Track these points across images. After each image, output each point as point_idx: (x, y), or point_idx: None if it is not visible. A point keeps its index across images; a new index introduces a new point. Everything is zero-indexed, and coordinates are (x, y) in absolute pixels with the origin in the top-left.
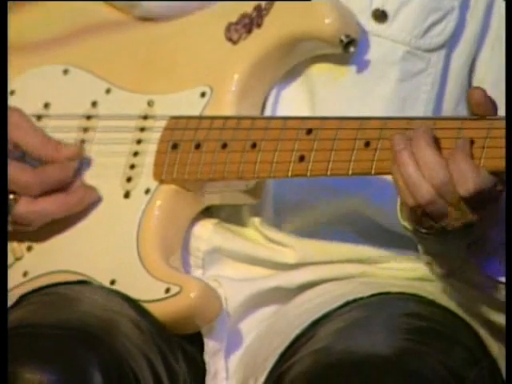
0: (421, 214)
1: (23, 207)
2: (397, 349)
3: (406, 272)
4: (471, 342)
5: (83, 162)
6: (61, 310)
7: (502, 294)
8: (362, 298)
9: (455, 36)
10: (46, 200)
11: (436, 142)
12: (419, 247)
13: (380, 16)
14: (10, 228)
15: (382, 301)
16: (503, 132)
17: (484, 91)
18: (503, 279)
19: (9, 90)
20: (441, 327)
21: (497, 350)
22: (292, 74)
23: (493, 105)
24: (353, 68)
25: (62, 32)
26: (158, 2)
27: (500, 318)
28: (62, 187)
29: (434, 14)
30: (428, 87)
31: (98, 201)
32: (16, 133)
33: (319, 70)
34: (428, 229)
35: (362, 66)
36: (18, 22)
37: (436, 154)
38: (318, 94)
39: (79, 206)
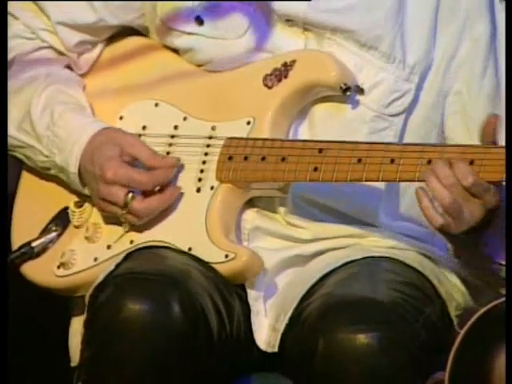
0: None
1: (138, 203)
2: (372, 292)
3: (383, 243)
4: (426, 287)
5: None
6: (154, 263)
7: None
8: (355, 260)
9: (411, 107)
10: (150, 199)
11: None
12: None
13: (359, 90)
14: (124, 220)
15: (368, 262)
16: (498, 155)
17: (497, 120)
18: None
19: (118, 116)
20: (404, 278)
21: (444, 293)
22: (302, 111)
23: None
24: (345, 112)
25: (152, 78)
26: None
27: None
28: (159, 189)
29: (395, 93)
30: (390, 138)
31: (180, 196)
32: (131, 148)
33: (321, 108)
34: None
35: (346, 120)
36: (123, 73)
37: (448, 169)
38: (317, 127)
39: (171, 201)
